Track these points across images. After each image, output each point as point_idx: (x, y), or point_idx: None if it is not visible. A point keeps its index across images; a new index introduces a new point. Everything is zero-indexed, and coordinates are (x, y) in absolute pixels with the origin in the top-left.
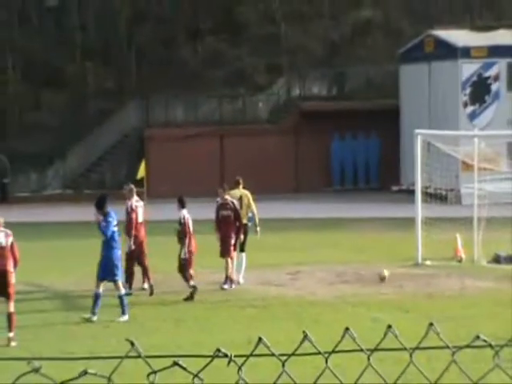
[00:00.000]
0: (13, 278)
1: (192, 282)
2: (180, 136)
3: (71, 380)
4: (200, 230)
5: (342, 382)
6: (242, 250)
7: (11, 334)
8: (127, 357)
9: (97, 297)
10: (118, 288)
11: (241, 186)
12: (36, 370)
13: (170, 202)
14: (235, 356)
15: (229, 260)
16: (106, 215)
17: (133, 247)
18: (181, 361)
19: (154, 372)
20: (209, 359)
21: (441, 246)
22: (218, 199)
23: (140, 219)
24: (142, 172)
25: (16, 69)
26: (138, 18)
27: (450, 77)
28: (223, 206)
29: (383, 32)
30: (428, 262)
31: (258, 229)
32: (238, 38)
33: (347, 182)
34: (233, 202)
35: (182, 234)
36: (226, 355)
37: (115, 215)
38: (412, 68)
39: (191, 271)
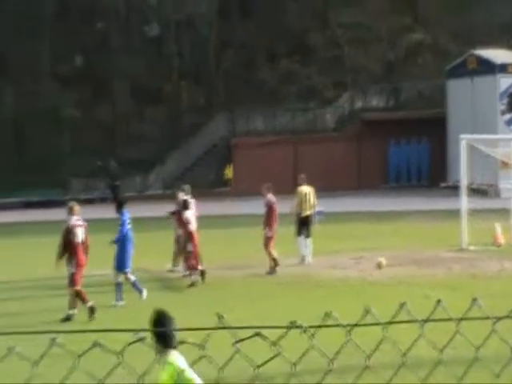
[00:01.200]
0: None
1: (200, 267)
2: (260, 143)
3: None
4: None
5: (400, 349)
6: (307, 236)
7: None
8: (217, 328)
9: (118, 285)
10: (127, 279)
11: (305, 183)
12: (141, 340)
13: (251, 199)
14: (309, 327)
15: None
16: (121, 215)
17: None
18: (262, 332)
19: (240, 341)
20: (285, 330)
21: (482, 234)
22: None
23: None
24: (228, 174)
25: (124, 88)
26: (224, 44)
27: (490, 89)
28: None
29: (432, 52)
30: (472, 247)
31: (316, 218)
32: (308, 60)
33: (402, 180)
34: (268, 200)
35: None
36: (299, 326)
37: (128, 215)
38: (457, 82)
39: (194, 262)
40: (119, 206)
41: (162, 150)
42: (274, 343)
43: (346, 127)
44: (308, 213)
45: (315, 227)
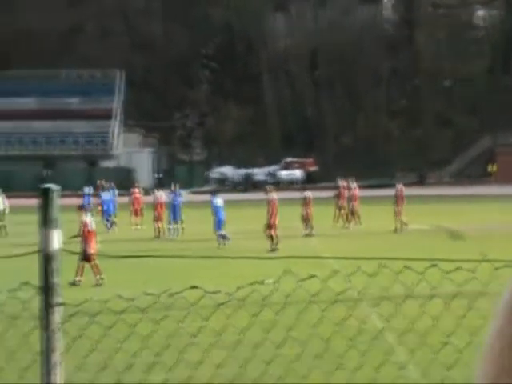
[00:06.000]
0: None
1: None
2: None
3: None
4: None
5: None
6: None
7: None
8: (422, 259)
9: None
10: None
11: None
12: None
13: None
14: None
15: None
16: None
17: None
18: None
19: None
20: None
21: None
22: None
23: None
24: (492, 170)
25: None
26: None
27: None
28: None
29: None
30: None
31: None
32: None
33: None
34: (399, 186)
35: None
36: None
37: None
38: None
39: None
40: (215, 193)
41: (448, 156)
42: (472, 271)
43: None
44: None
45: None
